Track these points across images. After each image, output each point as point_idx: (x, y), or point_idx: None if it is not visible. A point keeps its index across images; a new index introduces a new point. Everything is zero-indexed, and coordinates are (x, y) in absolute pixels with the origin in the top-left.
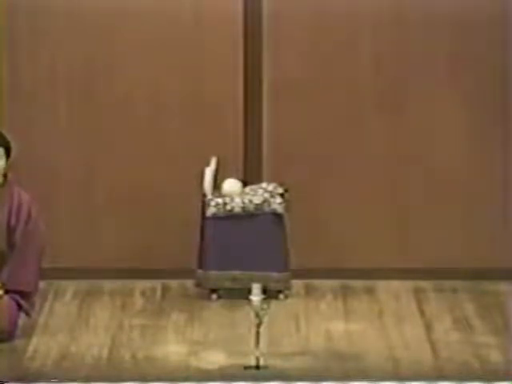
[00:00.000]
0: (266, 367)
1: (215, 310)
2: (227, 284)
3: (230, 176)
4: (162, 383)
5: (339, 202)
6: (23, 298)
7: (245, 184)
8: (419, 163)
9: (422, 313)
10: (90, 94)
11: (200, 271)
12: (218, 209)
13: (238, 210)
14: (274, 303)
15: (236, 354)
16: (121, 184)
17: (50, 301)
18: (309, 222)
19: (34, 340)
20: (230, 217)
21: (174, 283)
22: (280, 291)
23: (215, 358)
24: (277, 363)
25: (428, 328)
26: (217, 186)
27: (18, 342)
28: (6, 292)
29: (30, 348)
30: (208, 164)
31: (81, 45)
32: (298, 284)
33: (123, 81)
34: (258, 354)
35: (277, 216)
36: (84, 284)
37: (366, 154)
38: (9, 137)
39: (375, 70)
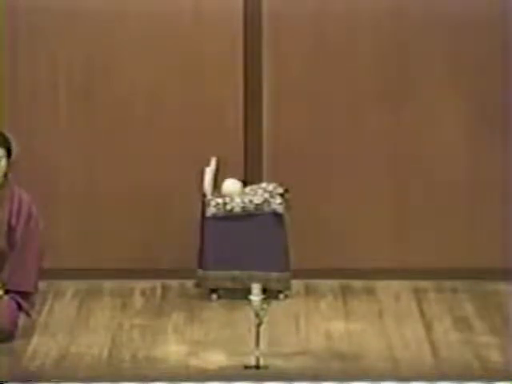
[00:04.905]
0: (266, 367)
1: (215, 309)
2: (227, 284)
3: (230, 176)
4: (162, 383)
5: (339, 202)
6: (23, 298)
7: (245, 184)
8: (419, 163)
9: (422, 313)
10: (90, 94)
11: (200, 271)
12: (218, 209)
13: (237, 210)
14: (274, 303)
15: (236, 354)
16: (121, 184)
17: (50, 301)
18: (309, 222)
19: (34, 340)
20: (230, 217)
21: (174, 283)
22: (280, 291)
23: (215, 358)
24: (277, 363)
25: (428, 328)
26: (217, 186)
27: (17, 342)
28: (6, 292)
29: (30, 348)
30: (208, 164)
31: (81, 45)
32: (298, 284)
33: (123, 80)
34: (257, 353)
35: (277, 216)
36: (84, 284)
37: (366, 154)
38: (8, 137)
39: (375, 69)
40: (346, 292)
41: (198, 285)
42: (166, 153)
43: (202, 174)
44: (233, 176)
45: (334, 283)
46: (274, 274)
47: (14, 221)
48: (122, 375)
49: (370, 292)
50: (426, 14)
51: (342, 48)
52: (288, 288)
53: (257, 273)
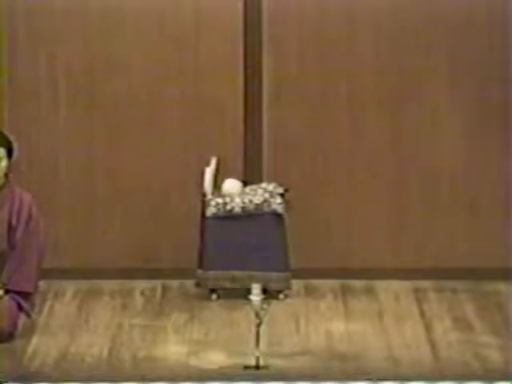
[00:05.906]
0: (266, 367)
1: (215, 309)
2: (227, 284)
3: (230, 176)
4: (162, 383)
5: (339, 202)
6: (23, 298)
7: (245, 184)
8: (419, 164)
9: (421, 313)
10: (90, 93)
11: (200, 271)
12: (218, 209)
13: (237, 210)
14: (274, 303)
15: (236, 354)
16: (121, 184)
17: (50, 301)
18: (309, 222)
19: (34, 340)
20: (230, 217)
21: (174, 283)
22: (280, 291)
23: (215, 358)
24: (277, 363)
25: (428, 328)
26: (217, 186)
27: (18, 342)
28: (6, 292)
29: (30, 348)
30: (208, 164)
31: (81, 45)
32: (298, 284)
33: (123, 80)
34: (257, 353)
35: (277, 216)
36: (84, 284)
37: (366, 155)
38: (9, 137)
39: (375, 69)
40: (346, 292)
41: (198, 285)
42: (165, 152)
43: (202, 174)
44: (233, 176)
45: (333, 283)
46: (274, 274)
47: (14, 221)
48: (121, 375)
49: (370, 292)
50: (426, 14)
51: (342, 47)
52: (288, 288)
53: (257, 273)
